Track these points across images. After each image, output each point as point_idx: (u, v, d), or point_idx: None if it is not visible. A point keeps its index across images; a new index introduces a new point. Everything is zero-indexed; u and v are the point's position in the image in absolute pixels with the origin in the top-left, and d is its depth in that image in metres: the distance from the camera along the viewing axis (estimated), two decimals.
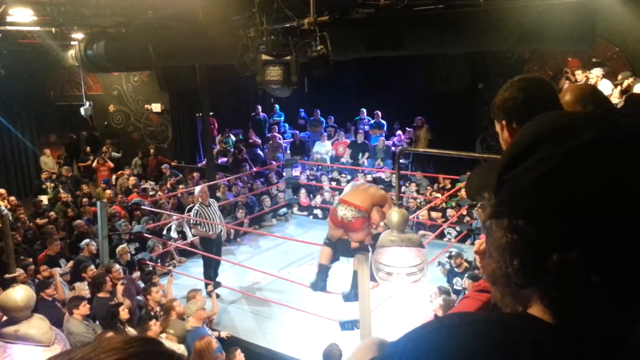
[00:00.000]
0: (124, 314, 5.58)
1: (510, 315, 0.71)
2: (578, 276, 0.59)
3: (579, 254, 0.59)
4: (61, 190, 10.75)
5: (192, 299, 5.88)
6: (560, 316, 0.63)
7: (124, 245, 7.68)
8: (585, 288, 0.59)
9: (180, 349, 5.23)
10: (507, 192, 0.67)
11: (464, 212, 8.64)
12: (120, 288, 6.09)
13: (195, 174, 11.38)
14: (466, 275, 5.96)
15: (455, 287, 6.45)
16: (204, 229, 7.34)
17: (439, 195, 9.45)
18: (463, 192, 8.81)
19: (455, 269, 6.61)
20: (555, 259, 0.60)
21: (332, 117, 13.96)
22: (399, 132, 12.73)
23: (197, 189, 7.71)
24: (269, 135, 13.66)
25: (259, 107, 14.50)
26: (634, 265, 0.58)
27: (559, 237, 0.60)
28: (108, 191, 10.27)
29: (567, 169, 0.61)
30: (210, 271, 7.33)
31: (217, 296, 6.89)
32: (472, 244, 7.99)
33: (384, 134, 12.77)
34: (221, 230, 7.62)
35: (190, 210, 8.27)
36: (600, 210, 0.58)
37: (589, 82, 7.09)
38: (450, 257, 6.79)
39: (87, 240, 7.55)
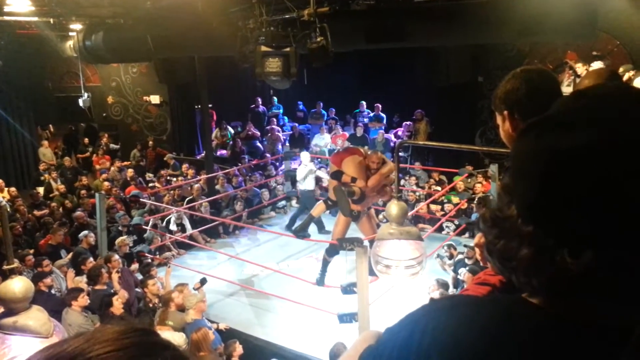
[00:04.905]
0: (117, 304, 5.44)
1: (505, 298, 0.71)
2: (583, 270, 0.58)
3: (583, 248, 0.58)
4: (52, 183, 10.72)
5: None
6: (557, 303, 0.63)
7: (124, 237, 7.68)
8: (588, 280, 0.59)
9: (182, 337, 5.22)
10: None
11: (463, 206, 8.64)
12: (115, 276, 6.04)
13: (184, 166, 11.35)
14: (466, 268, 5.94)
15: (459, 277, 6.44)
16: None
17: (438, 188, 9.43)
18: (461, 185, 8.81)
19: (466, 260, 6.53)
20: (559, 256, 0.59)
21: (334, 110, 13.84)
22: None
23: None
24: (268, 127, 13.63)
25: (259, 99, 14.44)
26: (637, 256, 0.57)
27: (561, 232, 0.59)
28: (106, 183, 10.25)
29: (568, 166, 0.59)
30: None
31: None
32: (472, 236, 8.00)
33: (383, 127, 12.73)
34: None
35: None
36: (605, 203, 0.57)
37: None
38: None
39: (85, 232, 7.54)
